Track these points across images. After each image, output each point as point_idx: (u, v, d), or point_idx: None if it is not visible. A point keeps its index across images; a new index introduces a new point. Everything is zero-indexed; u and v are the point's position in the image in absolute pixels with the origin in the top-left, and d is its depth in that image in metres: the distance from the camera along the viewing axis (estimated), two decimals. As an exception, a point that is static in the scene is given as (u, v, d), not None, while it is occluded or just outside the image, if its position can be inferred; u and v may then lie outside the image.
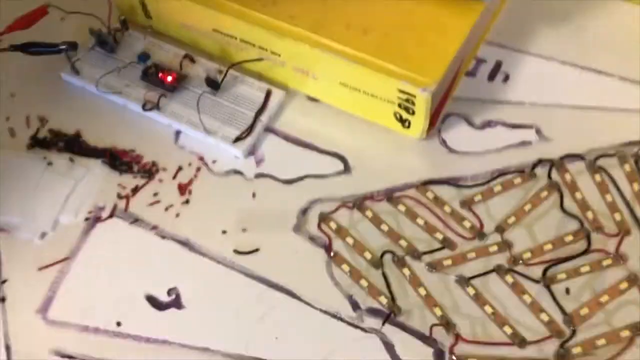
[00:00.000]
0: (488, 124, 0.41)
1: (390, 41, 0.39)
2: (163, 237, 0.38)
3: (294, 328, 0.35)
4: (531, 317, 0.34)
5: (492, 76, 0.43)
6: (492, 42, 0.45)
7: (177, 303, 0.36)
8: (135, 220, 0.39)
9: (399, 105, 0.39)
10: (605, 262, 0.36)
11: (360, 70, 0.38)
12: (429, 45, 0.38)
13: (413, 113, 0.39)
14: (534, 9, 0.46)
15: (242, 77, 0.43)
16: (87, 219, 0.39)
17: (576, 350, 0.33)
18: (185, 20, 0.43)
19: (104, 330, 0.35)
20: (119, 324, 0.35)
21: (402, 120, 0.40)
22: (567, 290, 0.35)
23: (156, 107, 0.42)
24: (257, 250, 0.37)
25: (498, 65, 0.44)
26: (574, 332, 0.34)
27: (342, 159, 0.41)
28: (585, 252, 0.36)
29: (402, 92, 0.38)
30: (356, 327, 0.35)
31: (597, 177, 0.39)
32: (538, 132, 0.41)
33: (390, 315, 0.34)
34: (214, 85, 0.42)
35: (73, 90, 0.44)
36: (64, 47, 0.43)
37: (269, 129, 0.42)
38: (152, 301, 0.36)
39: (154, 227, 0.38)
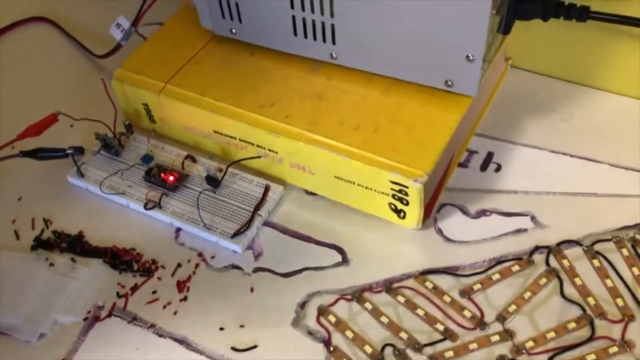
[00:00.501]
0: (483, 213, 0.42)
1: (380, 135, 0.40)
2: (160, 335, 0.38)
3: None
4: (539, 410, 0.33)
5: (484, 167, 0.45)
6: (483, 134, 0.46)
7: (173, 404, 0.35)
8: (134, 319, 0.38)
9: (393, 197, 0.40)
10: (612, 350, 0.35)
11: (353, 164, 0.39)
12: (419, 138, 0.40)
13: (407, 204, 0.39)
14: (521, 102, 0.48)
15: (242, 174, 0.44)
16: (85, 319, 0.39)
17: None
18: (188, 123, 0.46)
19: None
20: None
21: (397, 211, 0.40)
22: (575, 381, 0.34)
23: (158, 205, 0.43)
24: (255, 347, 0.37)
25: (490, 156, 0.45)
26: None
27: (340, 250, 0.41)
28: (590, 339, 0.35)
29: (394, 183, 0.39)
30: None
31: (596, 262, 0.39)
32: (533, 219, 0.41)
33: (392, 411, 0.33)
34: (214, 183, 0.43)
35: (78, 192, 0.45)
36: (70, 151, 0.44)
37: (267, 223, 0.43)
38: (148, 403, 0.35)
39: (152, 326, 0.38)
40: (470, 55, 0.38)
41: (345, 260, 0.40)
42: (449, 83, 0.41)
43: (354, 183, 0.41)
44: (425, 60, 0.40)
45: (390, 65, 0.42)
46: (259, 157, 0.43)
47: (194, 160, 0.45)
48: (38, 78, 0.54)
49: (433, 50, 0.39)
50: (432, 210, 0.42)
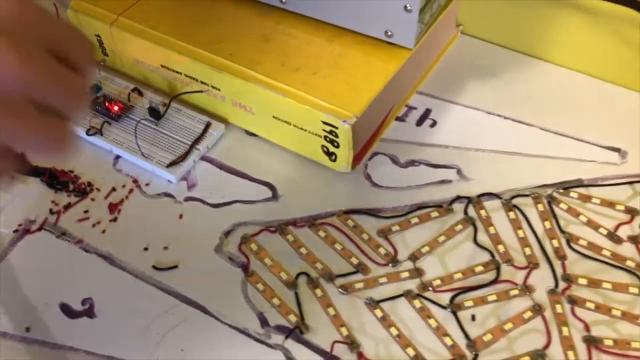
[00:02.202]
0: (412, 163, 0.43)
1: (318, 79, 0.41)
2: (87, 250, 0.39)
3: (201, 341, 0.35)
4: (435, 340, 0.35)
5: (420, 122, 0.46)
6: (424, 92, 0.48)
7: (89, 312, 0.36)
8: (62, 234, 0.40)
9: (325, 139, 0.41)
10: (512, 292, 0.37)
11: (288, 102, 0.41)
12: (355, 83, 0.41)
13: (338, 146, 0.41)
14: (467, 66, 0.49)
15: (185, 110, 0.45)
16: (16, 231, 0.40)
17: (478, 375, 0.34)
18: (138, 57, 0.47)
19: (11, 335, 0.35)
20: (28, 329, 0.35)
21: (328, 154, 0.42)
22: (473, 317, 0.36)
23: (99, 132, 0.44)
24: (175, 267, 0.38)
25: (427, 112, 0.47)
26: (476, 357, 0.34)
27: (272, 187, 0.42)
28: (494, 282, 0.37)
29: (325, 124, 0.40)
30: (262, 342, 0.35)
31: (512, 214, 0.40)
32: (459, 172, 0.43)
33: (294, 330, 0.35)
34: (156, 115, 0.44)
35: (24, 115, 0.46)
36: (20, 74, 0.45)
37: (205, 158, 0.44)
38: (65, 309, 0.36)
39: (79, 241, 0.39)
40: (407, 5, 0.40)
41: (275, 197, 0.42)
42: (389, 33, 0.42)
43: (290, 124, 0.42)
44: (367, 9, 0.41)
45: (334, 13, 0.43)
46: (201, 91, 0.44)
47: (140, 93, 0.46)
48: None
49: (374, -1, 0.40)
50: (363, 156, 0.43)
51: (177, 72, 0.45)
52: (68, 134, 0.25)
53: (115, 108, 0.45)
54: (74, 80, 0.25)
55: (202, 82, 0.44)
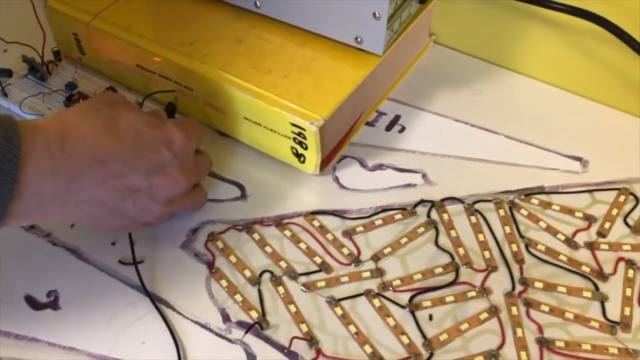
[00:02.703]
0: (379, 167, 0.44)
1: (289, 82, 0.42)
2: (55, 244, 0.39)
3: (163, 335, 0.35)
4: (392, 338, 0.36)
5: (389, 127, 0.47)
6: (395, 99, 0.49)
7: (54, 304, 0.37)
8: (31, 227, 0.40)
9: (294, 140, 0.42)
10: (470, 294, 0.38)
11: (258, 104, 0.42)
12: (324, 87, 0.42)
13: (306, 148, 0.42)
14: (438, 74, 0.51)
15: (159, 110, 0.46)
16: (-16, 223, 0.40)
17: (433, 373, 0.34)
18: (113, 56, 0.47)
19: (-25, 325, 0.36)
20: (-9, 320, 0.36)
21: (297, 155, 0.43)
22: (430, 317, 0.37)
23: (73, 129, 0.45)
24: (141, 262, 0.39)
25: (396, 118, 0.48)
26: (431, 355, 0.35)
27: (241, 187, 0.43)
28: (452, 283, 0.38)
29: (294, 125, 0.41)
30: (223, 337, 0.36)
31: (473, 219, 0.41)
32: (424, 176, 0.44)
33: (254, 325, 0.36)
34: (129, 113, 0.45)
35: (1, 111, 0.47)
36: (-4, 70, 0.46)
37: (176, 157, 0.44)
38: (30, 301, 0.37)
39: (48, 235, 0.40)
40: (376, 13, 0.41)
41: (243, 196, 0.43)
42: (359, 40, 0.43)
43: (260, 125, 0.43)
44: (338, 15, 0.42)
45: (307, 18, 0.44)
46: (173, 91, 0.45)
47: (115, 91, 0.47)
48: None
49: (344, 5, 0.41)
50: (332, 159, 0.44)
51: (152, 72, 0.46)
52: (205, 196, 0.40)
53: (90, 105, 0.45)
54: (207, 163, 0.40)
55: (176, 82, 0.45)
